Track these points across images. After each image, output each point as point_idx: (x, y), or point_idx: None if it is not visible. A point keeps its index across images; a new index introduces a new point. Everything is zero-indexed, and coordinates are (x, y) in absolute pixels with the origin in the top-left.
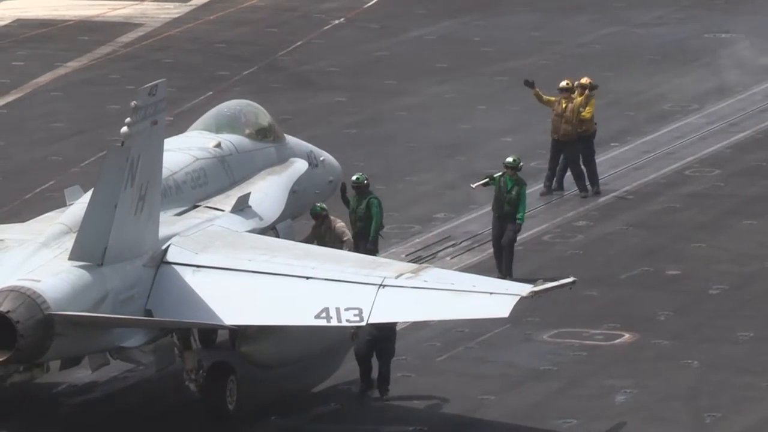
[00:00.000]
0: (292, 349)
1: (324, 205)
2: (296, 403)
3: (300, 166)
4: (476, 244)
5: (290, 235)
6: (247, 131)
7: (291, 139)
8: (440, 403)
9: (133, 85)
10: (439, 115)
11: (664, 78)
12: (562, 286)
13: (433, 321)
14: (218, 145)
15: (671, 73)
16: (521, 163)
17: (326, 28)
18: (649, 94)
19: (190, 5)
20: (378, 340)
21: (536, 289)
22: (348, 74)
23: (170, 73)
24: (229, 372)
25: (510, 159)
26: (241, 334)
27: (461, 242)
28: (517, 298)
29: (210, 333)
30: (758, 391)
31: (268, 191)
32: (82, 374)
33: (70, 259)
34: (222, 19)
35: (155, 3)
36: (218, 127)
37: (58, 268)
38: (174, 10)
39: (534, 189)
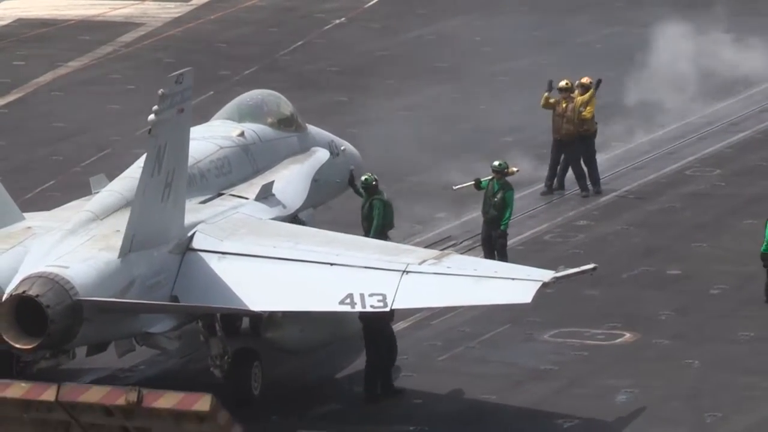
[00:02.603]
0: (316, 335)
1: None
2: (296, 403)
3: (322, 155)
4: (477, 244)
5: (312, 224)
6: (270, 120)
7: (312, 129)
8: (441, 403)
9: (134, 85)
10: (439, 115)
11: (665, 78)
12: (584, 272)
13: (452, 310)
14: (242, 134)
15: (671, 73)
16: (507, 168)
17: (327, 27)
18: (649, 95)
19: (191, 5)
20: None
21: (558, 274)
22: (349, 74)
23: (171, 73)
24: (254, 357)
25: (496, 163)
26: (265, 320)
27: (462, 242)
28: (540, 283)
29: (234, 320)
30: (759, 391)
31: (291, 180)
32: (83, 374)
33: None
34: (223, 18)
35: (156, 3)
36: (241, 117)
37: (86, 255)
38: (175, 10)
39: (535, 189)
